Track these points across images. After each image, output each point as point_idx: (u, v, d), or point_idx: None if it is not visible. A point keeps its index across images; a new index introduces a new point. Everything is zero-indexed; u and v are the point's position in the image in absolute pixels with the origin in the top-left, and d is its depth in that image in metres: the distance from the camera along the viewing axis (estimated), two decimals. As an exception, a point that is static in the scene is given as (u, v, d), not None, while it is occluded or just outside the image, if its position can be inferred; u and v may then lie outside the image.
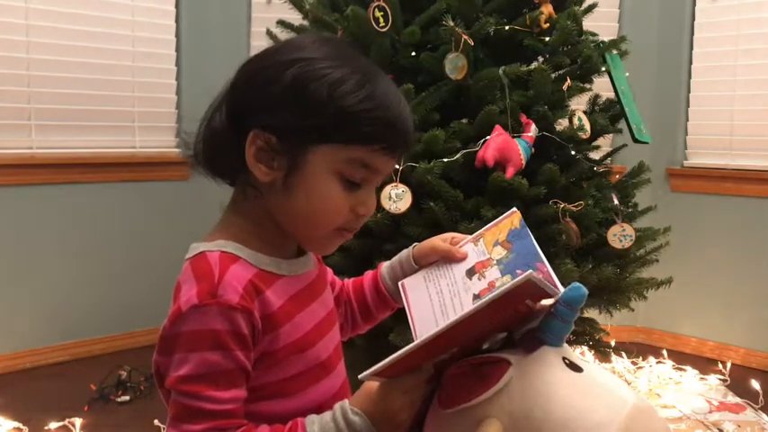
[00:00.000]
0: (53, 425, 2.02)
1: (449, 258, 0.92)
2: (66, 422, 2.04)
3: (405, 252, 0.99)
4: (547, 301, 0.79)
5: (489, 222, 0.96)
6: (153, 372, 0.79)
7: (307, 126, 0.76)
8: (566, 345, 0.80)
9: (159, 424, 2.01)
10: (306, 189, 0.78)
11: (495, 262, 0.87)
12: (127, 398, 2.24)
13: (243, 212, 0.83)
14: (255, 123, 0.77)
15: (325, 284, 0.92)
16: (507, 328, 0.82)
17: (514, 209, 0.92)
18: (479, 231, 0.94)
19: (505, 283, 0.82)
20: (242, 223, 0.82)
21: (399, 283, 0.95)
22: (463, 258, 0.91)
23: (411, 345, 0.73)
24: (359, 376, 0.76)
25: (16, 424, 2.04)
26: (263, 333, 0.77)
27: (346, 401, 0.79)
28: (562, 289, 0.76)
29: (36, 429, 2.02)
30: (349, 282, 1.03)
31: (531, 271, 0.72)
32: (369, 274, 1.03)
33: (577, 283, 0.76)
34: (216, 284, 0.75)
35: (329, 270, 0.98)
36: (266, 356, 0.78)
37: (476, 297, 0.84)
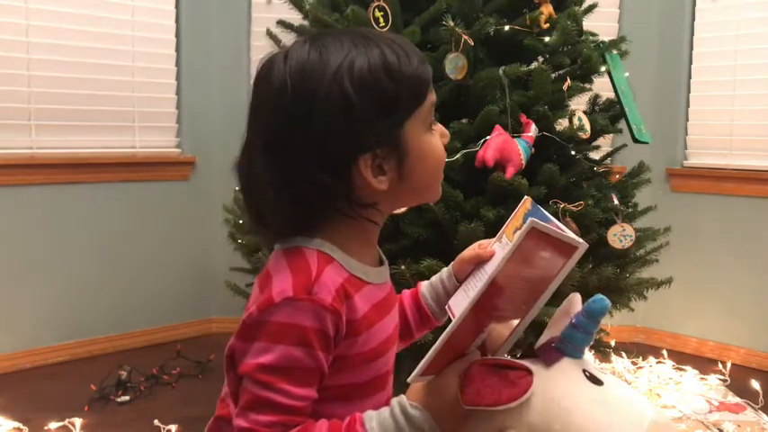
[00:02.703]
0: (53, 425, 2.02)
1: (479, 261, 0.93)
2: (66, 422, 2.03)
3: (445, 271, 1.00)
4: (569, 306, 0.79)
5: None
6: (226, 355, 0.79)
7: (393, 116, 0.78)
8: (586, 357, 0.80)
9: (159, 424, 2.01)
10: (419, 161, 0.81)
11: None
12: (127, 398, 2.24)
13: (338, 218, 0.81)
14: (357, 153, 0.77)
15: (396, 299, 0.93)
16: (538, 293, 0.82)
17: (526, 197, 0.93)
18: (501, 230, 0.95)
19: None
20: (339, 227, 0.82)
21: (446, 307, 0.96)
22: (491, 256, 0.92)
23: (446, 331, 0.74)
24: (407, 380, 0.76)
25: (16, 424, 2.04)
26: (344, 337, 0.77)
27: (403, 397, 0.79)
28: (581, 240, 0.77)
29: (36, 429, 2.02)
30: None
31: (531, 218, 0.73)
32: (407, 293, 1.03)
33: (600, 295, 0.77)
34: (312, 282, 0.75)
35: None
36: (339, 360, 0.78)
37: None
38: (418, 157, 0.81)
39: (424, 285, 1.02)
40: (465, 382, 0.76)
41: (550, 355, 0.78)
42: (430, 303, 1.00)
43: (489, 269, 0.90)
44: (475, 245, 0.97)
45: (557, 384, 0.76)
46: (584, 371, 0.77)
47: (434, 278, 1.01)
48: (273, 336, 0.74)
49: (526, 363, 0.77)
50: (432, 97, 0.83)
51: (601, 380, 0.77)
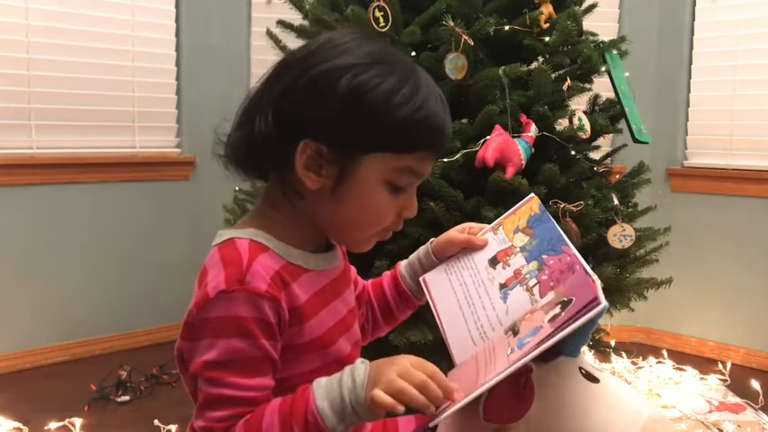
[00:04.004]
0: (53, 425, 2.02)
1: (469, 248, 0.91)
2: (66, 422, 2.03)
3: (423, 248, 0.99)
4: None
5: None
6: (176, 357, 0.80)
7: (362, 137, 0.77)
8: (582, 354, 0.80)
9: (159, 424, 2.01)
10: (355, 197, 0.79)
11: (518, 249, 0.86)
12: (127, 398, 2.24)
13: (278, 206, 0.83)
14: (307, 133, 0.77)
15: (349, 282, 0.92)
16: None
17: (532, 195, 0.91)
18: (498, 220, 0.93)
19: (531, 270, 0.82)
20: (275, 215, 0.82)
21: (420, 279, 0.95)
22: (484, 246, 0.90)
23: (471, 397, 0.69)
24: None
25: (16, 424, 2.04)
26: (289, 325, 0.77)
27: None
28: (597, 279, 0.74)
29: (36, 429, 2.01)
30: (368, 283, 1.03)
31: (604, 303, 0.67)
32: (387, 274, 1.03)
33: None
34: (244, 271, 0.75)
35: (353, 268, 0.98)
36: (289, 349, 0.78)
37: (502, 286, 0.83)
38: (357, 193, 0.79)
39: (402, 265, 1.02)
40: (491, 397, 0.73)
41: (547, 353, 0.78)
42: (409, 283, 0.99)
43: (479, 262, 0.88)
44: (464, 227, 0.96)
45: (553, 383, 0.75)
46: (580, 368, 0.77)
47: (412, 256, 1.00)
48: (215, 331, 0.74)
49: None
50: (419, 166, 0.80)
51: (597, 377, 0.77)
